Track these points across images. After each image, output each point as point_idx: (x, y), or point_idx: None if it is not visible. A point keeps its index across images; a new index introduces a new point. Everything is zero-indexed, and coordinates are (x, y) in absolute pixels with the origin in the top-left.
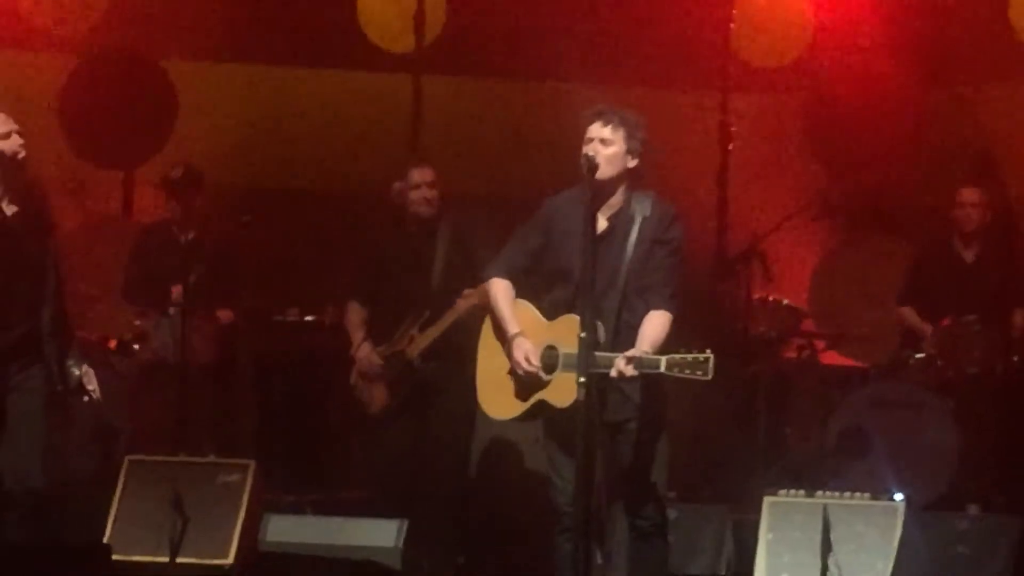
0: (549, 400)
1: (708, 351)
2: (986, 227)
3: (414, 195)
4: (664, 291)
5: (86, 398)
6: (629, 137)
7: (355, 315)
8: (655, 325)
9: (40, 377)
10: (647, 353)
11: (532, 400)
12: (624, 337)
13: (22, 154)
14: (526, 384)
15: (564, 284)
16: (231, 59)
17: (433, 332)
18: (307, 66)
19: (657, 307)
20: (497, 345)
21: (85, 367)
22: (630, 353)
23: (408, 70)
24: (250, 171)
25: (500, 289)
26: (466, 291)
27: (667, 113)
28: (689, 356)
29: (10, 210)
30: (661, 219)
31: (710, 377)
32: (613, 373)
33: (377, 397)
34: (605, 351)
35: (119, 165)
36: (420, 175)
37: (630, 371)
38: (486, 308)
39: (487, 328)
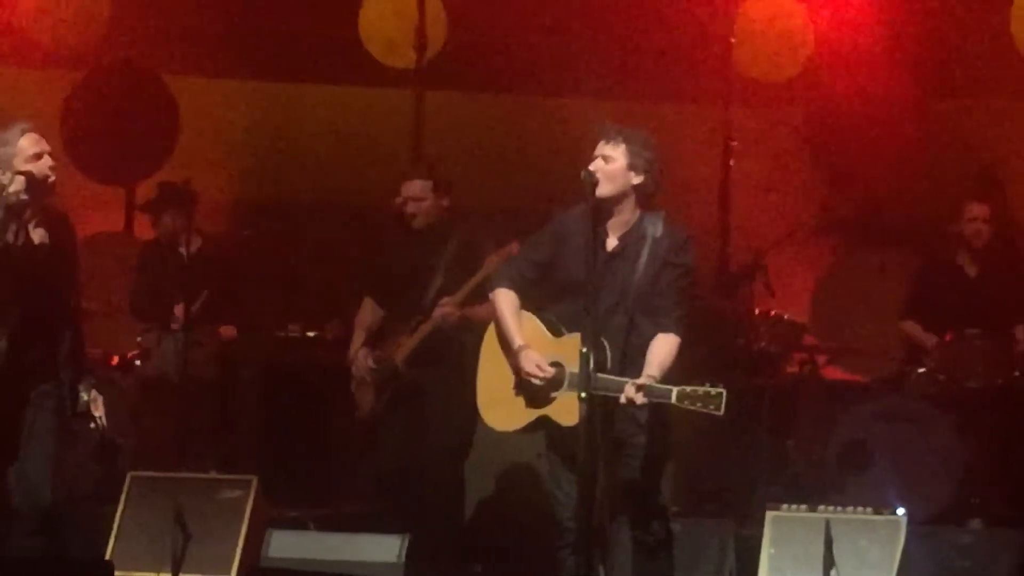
0: (554, 417)
1: (721, 386)
2: (990, 241)
3: (404, 208)
4: (673, 313)
5: (92, 424)
6: (632, 153)
7: (365, 314)
8: (663, 348)
9: (54, 397)
10: (655, 380)
11: (535, 415)
12: (631, 358)
13: (52, 177)
14: (531, 397)
15: (571, 298)
16: (233, 75)
17: (412, 340)
18: (309, 81)
19: (666, 330)
20: (499, 356)
21: (94, 393)
22: (640, 380)
23: (410, 85)
24: (252, 186)
25: (506, 300)
26: (444, 299)
27: (668, 127)
28: (701, 389)
29: (37, 235)
30: (673, 241)
31: (722, 413)
32: (622, 400)
33: (365, 401)
34: (612, 373)
35: (120, 181)
36: (409, 188)
37: (640, 398)
38: (466, 319)
39: (490, 338)
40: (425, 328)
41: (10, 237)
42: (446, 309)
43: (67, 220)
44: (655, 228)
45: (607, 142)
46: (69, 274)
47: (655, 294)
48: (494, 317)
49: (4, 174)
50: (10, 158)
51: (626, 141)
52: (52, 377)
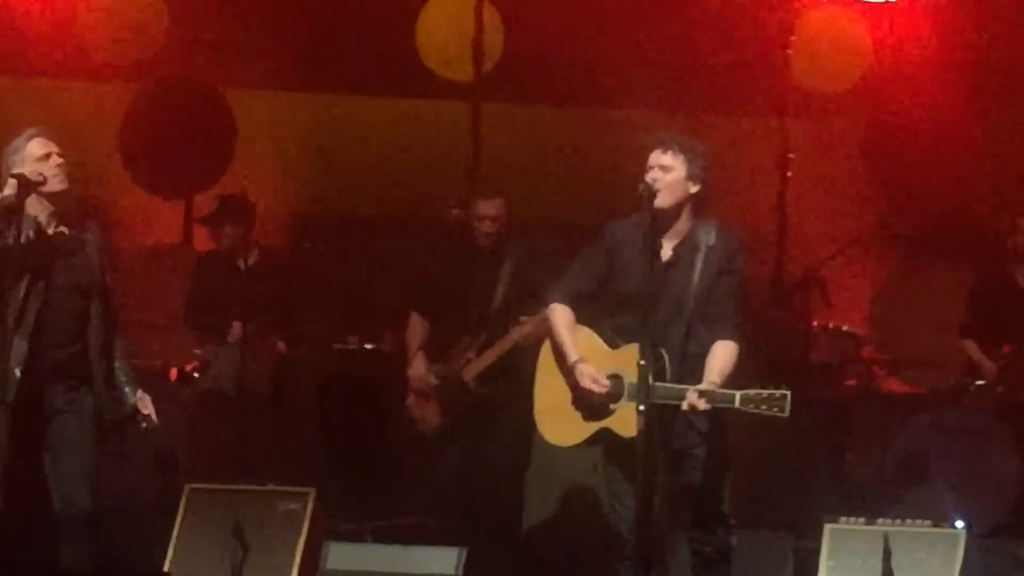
0: (614, 429)
1: (784, 387)
2: None
3: (478, 226)
4: (730, 320)
5: (143, 424)
6: (689, 163)
7: (415, 329)
8: (723, 355)
9: (87, 401)
10: (717, 385)
11: (596, 427)
12: (689, 367)
13: (60, 176)
14: (590, 411)
15: (627, 310)
16: (290, 87)
17: (489, 357)
18: (366, 94)
19: (724, 337)
20: (556, 371)
21: (140, 392)
22: (702, 387)
23: (467, 98)
24: (310, 199)
25: (561, 315)
26: (523, 318)
27: (725, 139)
28: (765, 392)
29: (52, 229)
30: (727, 249)
31: (786, 414)
32: (684, 406)
33: (429, 416)
34: (671, 382)
35: (179, 194)
36: (486, 207)
37: (702, 405)
38: (542, 337)
39: (545, 354)
40: (502, 346)
41: (10, 239)
42: (526, 329)
43: (94, 225)
44: (708, 237)
45: (664, 151)
46: (93, 272)
47: (711, 302)
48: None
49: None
50: (17, 164)
51: (683, 150)
52: (82, 376)
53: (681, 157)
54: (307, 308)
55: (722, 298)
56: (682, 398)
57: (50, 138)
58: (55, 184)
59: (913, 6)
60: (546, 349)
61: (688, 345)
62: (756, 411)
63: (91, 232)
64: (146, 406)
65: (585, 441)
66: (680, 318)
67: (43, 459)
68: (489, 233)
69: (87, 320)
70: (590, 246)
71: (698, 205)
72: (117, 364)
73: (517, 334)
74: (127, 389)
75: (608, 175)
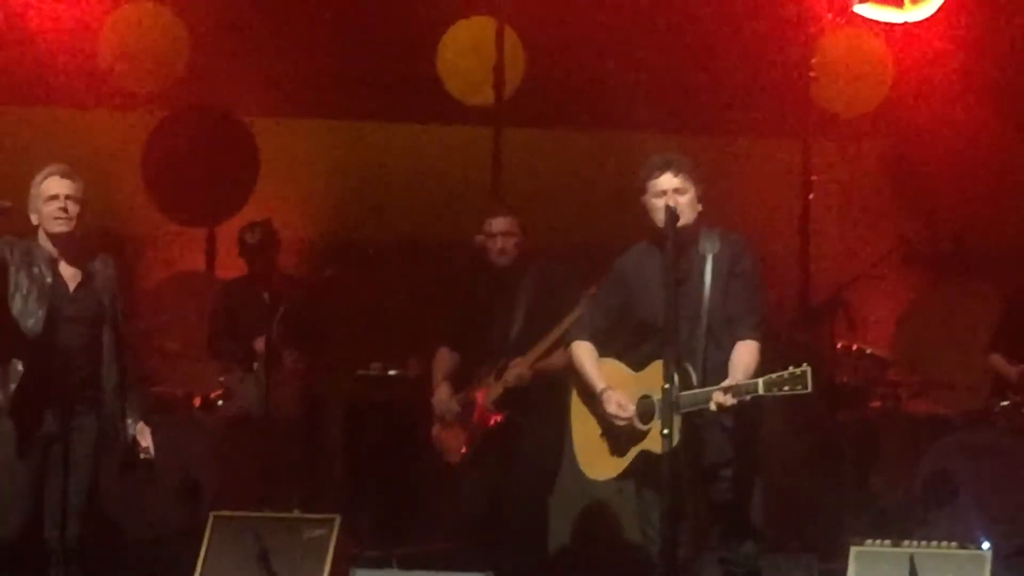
0: (651, 449)
1: (805, 364)
2: None
3: (491, 244)
4: (748, 320)
5: (142, 456)
6: (696, 183)
7: (441, 361)
8: (745, 354)
9: (93, 428)
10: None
11: (633, 453)
12: (713, 374)
13: (62, 220)
14: (624, 438)
15: (648, 339)
16: (312, 115)
17: (499, 386)
18: (388, 120)
19: (743, 337)
20: (587, 411)
21: (141, 424)
22: (726, 384)
23: (489, 123)
24: (332, 225)
25: (583, 351)
26: (515, 360)
27: (748, 162)
28: (786, 373)
29: (67, 272)
30: (732, 252)
31: (810, 390)
32: (712, 407)
33: (454, 445)
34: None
35: (202, 222)
36: (497, 225)
37: (729, 400)
38: (542, 373)
39: (575, 398)
40: (521, 378)
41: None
42: (518, 370)
43: (106, 257)
44: (713, 245)
45: (676, 174)
46: (103, 309)
47: (727, 307)
48: (572, 368)
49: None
50: (33, 199)
51: (690, 171)
52: (93, 402)
53: (691, 177)
54: (330, 335)
55: (736, 300)
56: (710, 399)
57: (69, 175)
58: (53, 226)
59: (934, 27)
60: (575, 391)
61: (709, 353)
62: (781, 393)
63: (101, 264)
64: (145, 438)
65: (627, 469)
66: (699, 330)
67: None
68: (502, 250)
69: (97, 349)
70: (602, 284)
71: (702, 221)
72: (128, 392)
73: (512, 377)
74: (129, 420)
75: (630, 198)
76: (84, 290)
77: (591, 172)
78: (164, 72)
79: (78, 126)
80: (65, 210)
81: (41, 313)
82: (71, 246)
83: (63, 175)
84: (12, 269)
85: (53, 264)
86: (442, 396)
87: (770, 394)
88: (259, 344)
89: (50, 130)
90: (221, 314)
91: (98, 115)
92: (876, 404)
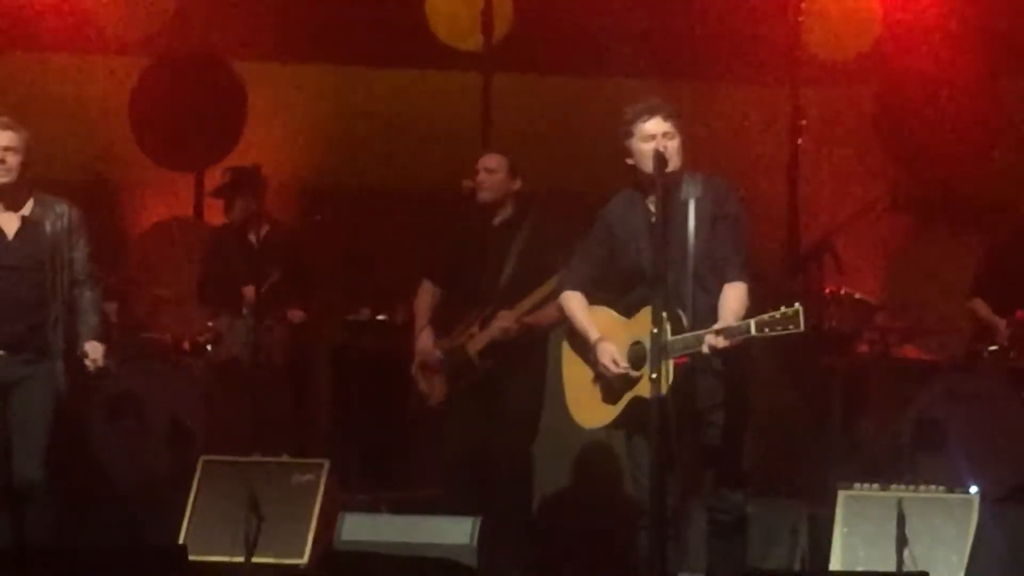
0: (643, 395)
1: (796, 304)
2: None
3: (476, 179)
4: (735, 261)
5: (90, 366)
6: (681, 128)
7: (425, 298)
8: (733, 297)
9: (43, 374)
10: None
11: (626, 399)
12: (703, 317)
13: (2, 170)
14: (617, 386)
15: (637, 283)
16: (300, 60)
17: (486, 335)
18: (376, 66)
19: (731, 279)
20: (579, 358)
21: (93, 343)
22: (718, 326)
23: (477, 68)
24: (320, 171)
25: (574, 300)
26: (501, 313)
27: (736, 108)
28: (778, 313)
29: (4, 220)
30: (716, 195)
31: (802, 328)
32: (705, 349)
33: (436, 389)
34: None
35: (190, 167)
36: (481, 161)
37: (721, 342)
38: (528, 327)
39: (566, 346)
40: (507, 331)
41: None
42: (504, 323)
43: (63, 205)
44: (696, 189)
45: (666, 119)
46: (54, 254)
47: (713, 250)
48: (564, 319)
49: None
50: None
51: (677, 117)
52: (44, 354)
53: (677, 122)
54: (319, 280)
55: (722, 243)
56: (702, 343)
57: (8, 126)
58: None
59: None
60: (566, 340)
61: (698, 297)
62: (773, 333)
63: (49, 210)
64: (95, 351)
65: (620, 415)
66: (685, 274)
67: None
68: (481, 183)
69: (43, 295)
70: (588, 235)
71: (685, 167)
72: (82, 320)
73: (498, 330)
74: (82, 342)
75: (621, 144)
76: (22, 238)
77: (580, 118)
78: (151, 17)
79: (66, 71)
80: (3, 161)
81: None
82: (9, 195)
83: (2, 127)
84: None
85: None
86: (425, 342)
87: (762, 335)
88: (248, 291)
89: (38, 76)
90: (209, 260)
91: (86, 60)
92: (864, 349)
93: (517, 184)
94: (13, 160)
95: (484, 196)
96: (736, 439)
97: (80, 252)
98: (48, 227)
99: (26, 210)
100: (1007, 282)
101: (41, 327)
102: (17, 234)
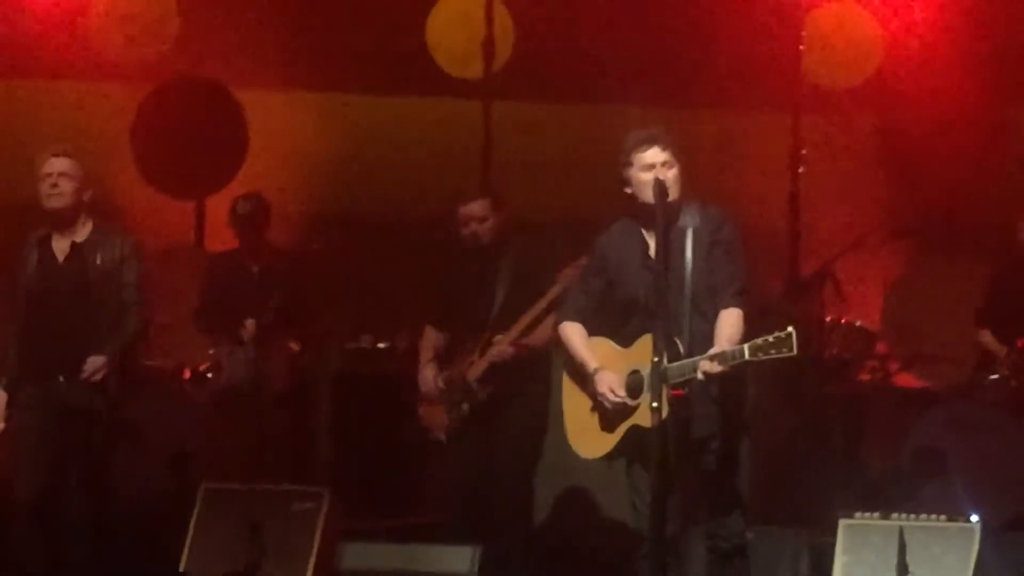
0: (641, 423)
1: (789, 327)
2: None
3: (467, 230)
4: (731, 288)
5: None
6: (679, 159)
7: (428, 339)
8: (728, 323)
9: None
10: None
11: (624, 428)
12: (699, 345)
13: (53, 196)
14: (614, 416)
15: (636, 313)
16: (301, 87)
17: (483, 361)
18: (377, 93)
19: (727, 305)
20: (578, 389)
21: (94, 357)
22: (713, 351)
23: (478, 96)
24: (321, 199)
25: (572, 331)
26: (496, 338)
27: (738, 135)
28: (771, 337)
29: (59, 245)
30: (712, 223)
31: (795, 352)
32: (699, 375)
33: (438, 421)
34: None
35: (191, 194)
36: (467, 211)
37: (715, 368)
38: (524, 350)
39: (566, 378)
40: (502, 354)
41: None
42: (500, 348)
43: (114, 230)
44: (693, 219)
45: (664, 149)
46: (100, 275)
47: (709, 277)
48: (560, 347)
49: None
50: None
51: (675, 146)
52: None
53: (675, 153)
54: (319, 308)
55: (718, 270)
56: (696, 369)
57: (63, 153)
58: (46, 202)
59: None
60: (565, 371)
61: (697, 323)
62: (767, 357)
63: (109, 238)
64: (93, 365)
65: (618, 445)
66: (683, 303)
67: None
68: (475, 233)
69: (92, 318)
70: (585, 264)
71: (683, 197)
72: (110, 339)
73: (495, 354)
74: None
75: (619, 173)
76: (71, 262)
77: (581, 145)
78: (152, 43)
79: (67, 98)
80: (56, 186)
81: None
82: (62, 220)
83: (56, 154)
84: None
85: (43, 240)
86: (427, 376)
87: (756, 359)
88: (249, 323)
89: (39, 102)
90: (210, 287)
91: (87, 87)
92: (865, 377)
93: (503, 214)
94: (67, 186)
95: (484, 242)
96: (735, 466)
97: (130, 278)
98: (99, 254)
99: (79, 236)
100: (1009, 310)
101: (84, 350)
102: (67, 258)
